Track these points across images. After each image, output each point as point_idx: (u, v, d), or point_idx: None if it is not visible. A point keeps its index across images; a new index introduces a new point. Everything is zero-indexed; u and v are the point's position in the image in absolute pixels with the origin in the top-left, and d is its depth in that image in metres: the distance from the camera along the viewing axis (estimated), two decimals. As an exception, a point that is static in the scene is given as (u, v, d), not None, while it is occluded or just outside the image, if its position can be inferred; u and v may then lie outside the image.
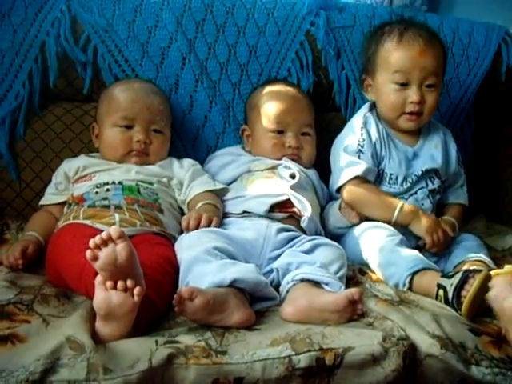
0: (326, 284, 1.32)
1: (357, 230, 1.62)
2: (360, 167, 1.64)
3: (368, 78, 1.74)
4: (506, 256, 1.75)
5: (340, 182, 1.66)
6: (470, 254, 1.55)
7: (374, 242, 1.53)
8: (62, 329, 1.09)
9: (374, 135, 1.68)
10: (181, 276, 1.33)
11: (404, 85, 1.65)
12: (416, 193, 1.68)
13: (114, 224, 1.41)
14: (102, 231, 1.31)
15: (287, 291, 1.32)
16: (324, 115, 1.91)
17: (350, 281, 1.45)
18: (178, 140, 1.80)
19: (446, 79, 1.98)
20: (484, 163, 2.11)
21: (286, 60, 1.88)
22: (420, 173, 1.69)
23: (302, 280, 1.32)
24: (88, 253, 1.08)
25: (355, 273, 1.51)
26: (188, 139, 1.82)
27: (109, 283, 1.09)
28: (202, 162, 1.76)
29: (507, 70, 2.04)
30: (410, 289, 1.42)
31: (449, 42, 2.01)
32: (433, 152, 1.73)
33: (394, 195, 1.65)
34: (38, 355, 1.01)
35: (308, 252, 1.42)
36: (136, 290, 1.09)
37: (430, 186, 1.70)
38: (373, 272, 1.52)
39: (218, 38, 1.83)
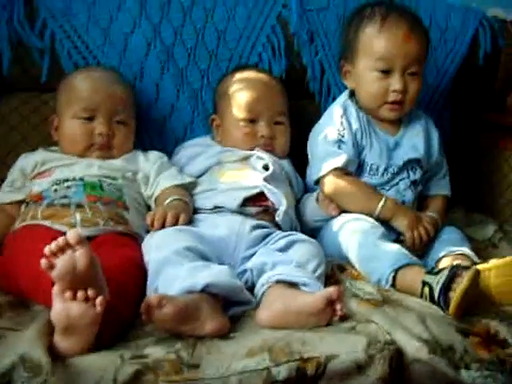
0: (304, 285, 1.24)
1: (335, 223, 1.54)
2: (340, 158, 1.56)
3: (347, 65, 1.66)
4: (488, 247, 1.70)
5: (319, 174, 1.58)
6: (453, 248, 1.50)
7: (355, 236, 1.46)
8: (16, 345, 0.99)
9: (355, 124, 1.61)
10: (149, 280, 1.24)
11: (386, 72, 1.57)
12: (397, 184, 1.62)
13: (74, 225, 1.32)
14: (62, 233, 1.24)
15: (262, 294, 1.25)
16: (297, 102, 1.81)
17: (328, 279, 1.36)
18: (144, 131, 1.70)
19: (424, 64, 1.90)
20: (462, 150, 2.04)
21: (257, 45, 1.79)
22: (401, 163, 1.62)
23: (278, 281, 1.24)
24: (43, 262, 0.98)
25: (334, 270, 1.43)
26: (154, 130, 1.73)
27: (67, 293, 1.00)
28: (169, 154, 1.67)
29: (485, 55, 1.98)
30: (392, 285, 1.35)
31: (426, 25, 1.88)
32: (415, 141, 1.66)
33: (375, 186, 1.59)
34: (-13, 379, 0.91)
35: (283, 250, 1.34)
36: (98, 300, 1.00)
37: (412, 177, 1.64)
38: (353, 268, 1.44)
39: (184, 23, 1.74)
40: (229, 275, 1.22)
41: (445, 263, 1.44)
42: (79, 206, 1.38)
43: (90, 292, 1.00)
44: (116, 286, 1.12)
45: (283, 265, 1.28)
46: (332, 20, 1.83)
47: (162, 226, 1.34)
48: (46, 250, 0.98)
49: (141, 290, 1.22)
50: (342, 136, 1.58)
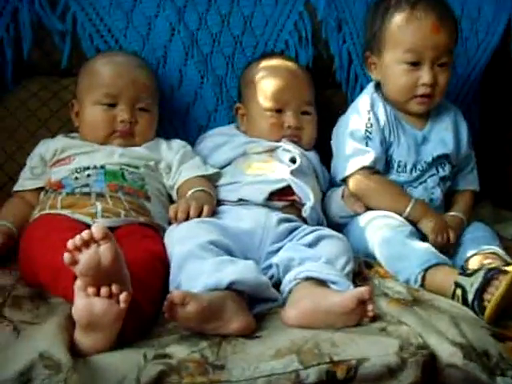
0: (333, 283, 1.20)
1: (362, 219, 1.50)
2: (368, 156, 1.51)
3: (372, 56, 1.60)
4: None
5: (346, 172, 1.53)
6: (483, 246, 1.45)
7: (382, 233, 1.41)
8: (36, 341, 0.95)
9: (383, 119, 1.55)
10: (172, 274, 1.20)
11: (415, 64, 1.52)
12: (426, 181, 1.57)
13: (95, 214, 1.28)
14: (82, 223, 1.23)
15: (289, 291, 1.20)
16: (323, 92, 1.77)
17: (356, 276, 1.33)
18: (166, 119, 1.66)
19: (454, 55, 1.83)
20: (491, 144, 1.98)
21: (284, 32, 1.75)
22: (430, 159, 1.57)
23: (307, 278, 1.19)
24: (66, 256, 0.93)
25: (361, 266, 1.39)
26: (177, 118, 1.69)
27: (91, 289, 0.95)
28: (192, 143, 1.63)
29: None
30: (422, 285, 1.31)
31: (457, 15, 1.83)
32: (443, 135, 1.60)
33: (403, 184, 1.55)
34: (6, 376, 0.86)
35: (311, 245, 1.30)
36: (122, 296, 0.96)
37: (441, 173, 1.58)
38: (380, 265, 1.41)
39: (209, 7, 1.69)
40: (255, 271, 1.17)
41: (475, 262, 1.41)
42: (100, 195, 1.34)
43: (114, 288, 0.96)
44: (138, 282, 1.07)
45: (311, 261, 1.24)
46: (361, 7, 1.77)
47: (186, 219, 1.30)
48: (70, 243, 0.94)
49: (163, 285, 1.18)
50: (370, 132, 1.53)
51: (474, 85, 1.93)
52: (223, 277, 1.11)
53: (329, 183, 1.64)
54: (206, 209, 1.31)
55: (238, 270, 1.14)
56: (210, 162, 1.57)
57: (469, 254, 1.44)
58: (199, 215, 1.31)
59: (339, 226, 1.52)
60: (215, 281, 1.11)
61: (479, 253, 1.43)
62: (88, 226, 1.20)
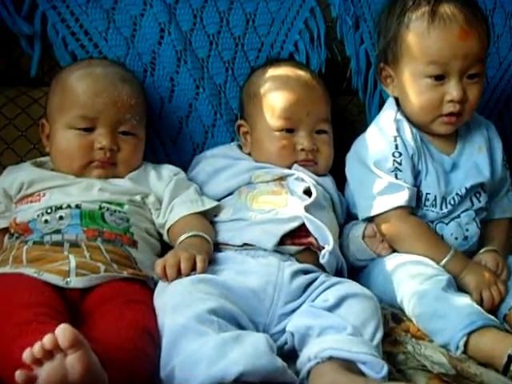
0: (363, 363, 1.00)
1: (389, 263, 1.31)
2: (403, 194, 1.32)
3: (388, 68, 1.41)
4: None
5: (375, 211, 1.34)
6: None
7: (413, 284, 1.24)
8: None
9: (411, 146, 1.36)
10: (163, 355, 0.98)
11: (440, 78, 1.32)
12: (459, 216, 1.38)
13: (67, 272, 1.07)
14: (51, 287, 1.03)
15: (308, 370, 1.00)
16: (336, 100, 1.60)
17: (385, 338, 1.13)
18: (156, 137, 1.50)
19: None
20: None
21: (293, 31, 1.59)
22: (464, 191, 1.37)
23: (330, 357, 0.99)
24: (18, 375, 0.70)
25: (389, 322, 1.20)
26: (168, 135, 1.52)
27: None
28: (186, 166, 1.48)
29: None
30: (464, 351, 1.14)
31: (489, 9, 1.71)
32: (476, 159, 1.41)
33: (432, 221, 1.37)
34: None
35: (332, 308, 1.10)
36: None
37: (477, 205, 1.39)
38: (410, 320, 1.23)
39: (205, 4, 1.52)
40: (267, 353, 0.95)
41: None
42: (75, 244, 1.15)
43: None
44: (121, 371, 0.88)
45: (334, 331, 1.05)
46: (381, 3, 1.56)
47: (178, 275, 1.10)
48: (26, 355, 0.72)
49: (154, 370, 0.97)
50: (399, 163, 1.34)
51: (506, 89, 1.78)
52: (229, 366, 0.90)
53: (346, 212, 1.46)
54: (199, 262, 1.10)
55: (247, 355, 0.92)
56: (207, 190, 1.39)
57: None
58: (193, 268, 1.11)
59: (357, 269, 1.38)
60: (219, 372, 0.90)
61: None
62: (59, 290, 1.04)
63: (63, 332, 0.75)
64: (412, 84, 1.35)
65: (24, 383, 0.73)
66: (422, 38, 1.32)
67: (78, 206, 1.21)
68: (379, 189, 1.33)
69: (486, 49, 1.39)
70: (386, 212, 1.32)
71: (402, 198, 1.32)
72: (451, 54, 1.30)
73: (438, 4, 1.33)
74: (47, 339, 0.74)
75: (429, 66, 1.32)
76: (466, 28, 1.31)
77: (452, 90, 1.32)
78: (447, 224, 1.37)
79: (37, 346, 0.74)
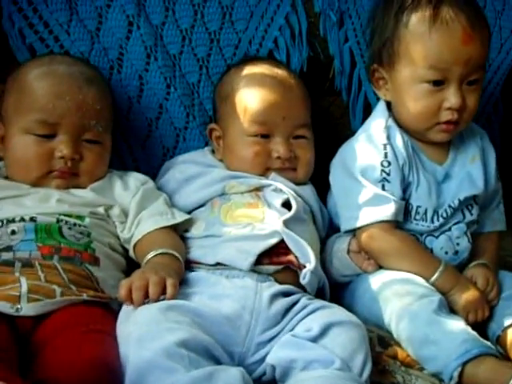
0: (353, 402, 0.93)
1: (375, 281, 1.25)
2: (388, 207, 1.25)
3: (381, 70, 1.34)
4: None
5: (358, 223, 1.27)
6: None
7: (402, 304, 1.18)
8: None
9: (402, 155, 1.29)
10: (126, 395, 0.89)
11: (439, 83, 1.26)
12: (450, 229, 1.32)
13: (18, 298, 0.97)
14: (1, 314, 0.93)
15: (292, 409, 0.93)
16: (318, 101, 1.55)
17: (372, 366, 1.05)
18: (123, 140, 1.43)
19: None
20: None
21: (273, 27, 1.51)
22: (457, 203, 1.31)
23: (317, 396, 0.92)
24: None
25: (374, 345, 1.13)
26: (136, 139, 1.45)
27: None
28: (156, 172, 1.42)
29: None
30: (458, 383, 1.08)
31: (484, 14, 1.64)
32: (469, 169, 1.35)
33: (421, 233, 1.31)
34: None
35: (317, 338, 1.02)
36: None
37: (468, 218, 1.34)
38: (397, 344, 1.16)
39: None
40: (245, 389, 0.87)
41: None
42: (27, 263, 1.05)
43: None
44: None
45: (320, 366, 0.97)
46: None
47: (144, 298, 1.00)
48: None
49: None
50: (387, 173, 1.28)
51: (495, 92, 1.73)
52: (201, 412, 0.81)
53: (328, 224, 1.38)
54: (170, 288, 1.01)
55: (222, 394, 0.84)
56: (177, 200, 1.31)
57: (507, 323, 1.23)
58: (161, 292, 1.01)
59: (343, 284, 1.32)
60: None
61: None
62: (7, 318, 0.94)
63: None
64: (408, 88, 1.29)
65: None
66: (422, 41, 1.26)
67: (32, 219, 1.12)
68: (363, 200, 1.27)
69: (488, 54, 1.33)
70: (369, 225, 1.26)
71: (387, 211, 1.26)
72: (453, 58, 1.25)
73: (440, 5, 1.27)
74: None
75: (428, 71, 1.26)
76: (469, 32, 1.25)
77: (451, 96, 1.26)
78: (437, 237, 1.32)
79: None
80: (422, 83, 1.27)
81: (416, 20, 1.27)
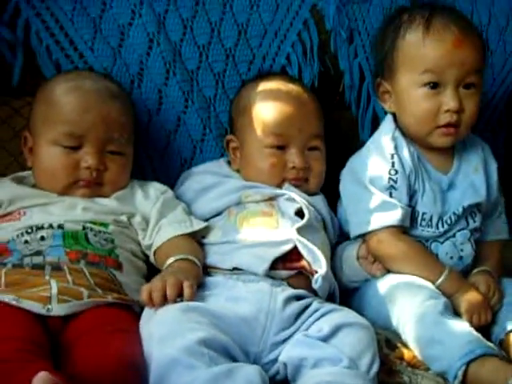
0: (361, 398, 0.96)
1: (382, 285, 1.29)
2: (395, 213, 1.29)
3: (384, 83, 1.39)
4: None
5: (367, 229, 1.31)
6: None
7: (409, 307, 1.21)
8: None
9: (408, 164, 1.33)
10: (151, 389, 0.93)
11: (435, 87, 1.31)
12: (454, 235, 1.36)
13: (48, 299, 1.01)
14: (31, 314, 0.98)
15: (303, 404, 0.96)
16: (329, 114, 1.55)
17: (380, 367, 1.08)
18: (142, 151, 1.45)
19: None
20: None
21: (285, 44, 1.55)
22: (461, 210, 1.35)
23: (326, 392, 0.96)
24: None
25: (382, 346, 1.16)
26: (156, 150, 1.48)
27: None
28: (173, 182, 1.44)
29: None
30: (462, 381, 1.11)
31: (483, 23, 1.69)
32: (473, 179, 1.39)
33: (427, 239, 1.35)
34: None
35: (327, 338, 1.05)
36: None
37: (472, 225, 1.37)
38: (404, 345, 1.19)
39: (196, 13, 1.47)
40: (261, 385, 0.91)
41: None
42: (56, 267, 1.09)
43: None
44: None
45: (329, 364, 1.01)
46: (376, 16, 1.58)
47: (163, 300, 1.04)
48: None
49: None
50: (395, 181, 1.31)
51: (499, 105, 1.76)
52: (221, 405, 0.86)
53: (338, 232, 1.42)
54: (187, 289, 1.05)
55: (240, 388, 0.88)
56: (195, 208, 1.34)
57: (510, 327, 1.26)
58: (181, 294, 1.06)
59: (350, 290, 1.36)
60: None
61: None
62: (39, 318, 0.99)
63: (42, 381, 0.70)
64: (408, 95, 1.34)
65: None
66: (417, 48, 1.32)
67: (60, 226, 1.16)
68: (372, 206, 1.31)
69: (482, 60, 1.36)
70: (377, 230, 1.30)
71: (394, 216, 1.29)
72: (447, 61, 1.30)
73: (432, 16, 1.33)
74: None
75: (424, 75, 1.31)
76: (460, 36, 1.30)
77: (448, 99, 1.30)
78: (442, 243, 1.35)
79: None
80: (420, 88, 1.31)
81: (411, 31, 1.33)
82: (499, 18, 1.69)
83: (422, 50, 1.31)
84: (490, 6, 1.69)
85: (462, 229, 1.36)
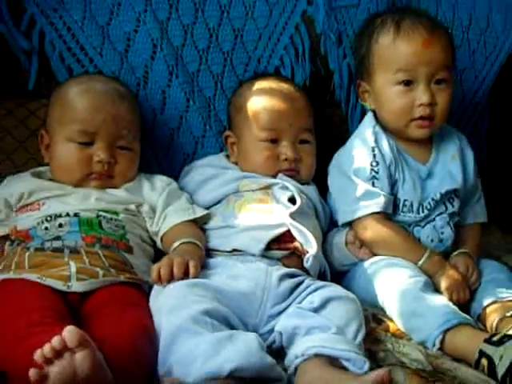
0: (347, 360, 1.05)
1: (369, 267, 1.37)
2: (379, 200, 1.38)
3: (364, 83, 1.48)
4: None
5: (353, 216, 1.39)
6: (502, 294, 1.34)
7: (393, 285, 1.29)
8: None
9: (388, 156, 1.42)
10: (161, 354, 1.03)
11: (409, 84, 1.40)
12: (434, 219, 1.44)
13: (68, 277, 1.11)
14: (54, 291, 1.07)
15: (296, 368, 1.05)
16: (320, 111, 1.63)
17: (366, 337, 1.17)
18: (148, 147, 1.52)
19: (460, 69, 1.76)
20: (498, 166, 1.89)
21: (279, 46, 1.61)
22: (438, 196, 1.43)
23: (316, 355, 1.04)
24: (33, 373, 0.76)
25: (369, 320, 1.25)
26: (160, 146, 1.54)
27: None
28: (177, 174, 1.52)
29: None
30: (440, 348, 1.19)
31: (464, 25, 1.78)
32: (450, 167, 1.47)
33: (409, 224, 1.42)
34: None
35: (318, 309, 1.14)
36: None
37: (450, 209, 1.45)
38: (390, 319, 1.28)
39: (196, 20, 1.54)
40: (258, 351, 1.01)
41: (494, 313, 1.30)
42: (74, 250, 1.18)
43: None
44: (122, 369, 0.92)
45: (320, 331, 1.09)
46: (363, 19, 1.62)
47: (171, 279, 1.14)
48: (38, 355, 0.77)
49: (152, 368, 1.01)
50: (377, 172, 1.40)
51: (481, 101, 1.83)
52: (223, 363, 0.96)
53: (330, 219, 1.50)
54: (192, 269, 1.14)
55: (240, 353, 0.98)
56: (197, 198, 1.43)
57: (486, 303, 1.33)
58: (186, 273, 1.15)
59: (340, 274, 1.43)
60: (214, 368, 0.95)
61: (498, 301, 1.32)
62: (61, 294, 1.08)
63: (70, 332, 0.81)
64: (384, 93, 1.42)
65: (37, 381, 0.78)
66: (389, 50, 1.40)
67: (76, 215, 1.24)
68: (357, 195, 1.39)
69: (451, 57, 1.44)
70: (362, 217, 1.38)
71: (377, 204, 1.37)
72: (417, 60, 1.38)
73: (402, 19, 1.41)
74: (56, 340, 0.79)
75: (397, 74, 1.39)
76: (428, 37, 1.38)
77: (421, 94, 1.38)
78: (423, 227, 1.42)
79: (47, 347, 0.79)
80: (395, 86, 1.40)
81: (383, 34, 1.42)
82: (480, 20, 1.78)
83: (394, 51, 1.39)
84: (471, 9, 1.76)
85: (441, 213, 1.43)
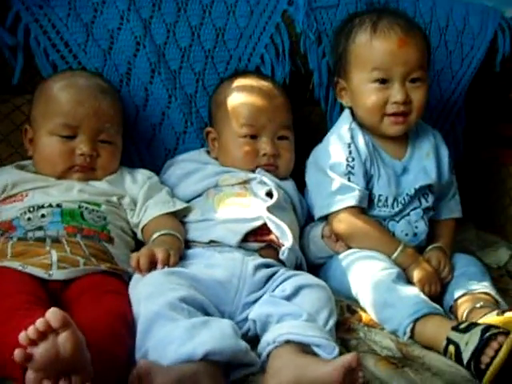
0: (317, 346, 1.08)
1: (344, 259, 1.40)
2: (354, 195, 1.41)
3: (341, 81, 1.51)
4: (503, 275, 1.62)
5: (329, 210, 1.42)
6: (473, 286, 1.37)
7: (366, 276, 1.32)
8: None
9: (364, 152, 1.45)
10: (138, 340, 1.05)
11: (384, 82, 1.43)
12: (408, 214, 1.47)
13: (49, 266, 1.13)
14: (35, 278, 1.10)
15: (268, 354, 1.08)
16: (300, 109, 1.67)
17: (339, 326, 1.22)
18: (130, 142, 1.53)
19: (438, 69, 1.80)
20: (474, 164, 1.93)
21: (259, 45, 1.64)
22: (413, 191, 1.46)
23: (287, 341, 1.08)
24: (18, 354, 0.80)
25: (344, 313, 1.29)
26: (142, 141, 1.56)
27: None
28: (159, 168, 1.54)
29: (502, 60, 1.85)
30: (410, 337, 1.22)
31: (442, 26, 1.81)
32: (425, 163, 1.51)
33: (384, 219, 1.46)
34: None
35: (290, 297, 1.17)
36: (84, 388, 0.82)
37: (424, 204, 1.49)
38: (364, 310, 1.31)
39: (178, 18, 1.57)
40: (232, 336, 1.04)
41: (465, 304, 1.34)
42: (56, 240, 1.21)
43: (74, 380, 0.83)
44: (100, 352, 0.94)
45: (291, 318, 1.12)
46: (342, 20, 1.62)
47: (150, 269, 1.17)
48: (22, 337, 0.80)
49: (130, 353, 1.04)
50: (352, 167, 1.43)
51: (458, 101, 1.86)
52: (197, 346, 0.99)
53: (307, 213, 1.54)
54: (172, 258, 1.18)
55: (214, 337, 1.01)
56: (177, 192, 1.46)
57: (457, 295, 1.37)
58: (166, 263, 1.18)
59: (317, 267, 1.46)
60: (188, 351, 0.98)
61: (469, 293, 1.36)
62: (42, 282, 1.11)
63: (54, 314, 0.83)
64: (360, 90, 1.45)
65: (22, 361, 0.81)
66: (365, 49, 1.43)
67: (58, 205, 1.26)
68: (333, 190, 1.42)
69: (426, 57, 1.47)
70: (338, 211, 1.41)
71: (352, 198, 1.40)
72: (392, 60, 1.41)
73: (379, 19, 1.44)
74: (40, 322, 0.82)
75: (373, 72, 1.42)
76: (403, 37, 1.41)
77: (396, 92, 1.41)
78: (398, 222, 1.46)
79: (31, 329, 0.81)
80: (370, 83, 1.42)
81: (360, 34, 1.44)
82: (457, 21, 1.81)
83: (370, 50, 1.42)
84: (449, 11, 1.80)
85: (416, 208, 1.47)
